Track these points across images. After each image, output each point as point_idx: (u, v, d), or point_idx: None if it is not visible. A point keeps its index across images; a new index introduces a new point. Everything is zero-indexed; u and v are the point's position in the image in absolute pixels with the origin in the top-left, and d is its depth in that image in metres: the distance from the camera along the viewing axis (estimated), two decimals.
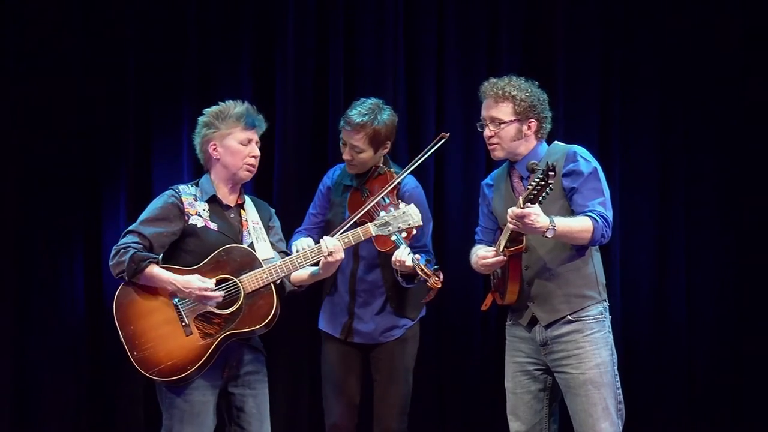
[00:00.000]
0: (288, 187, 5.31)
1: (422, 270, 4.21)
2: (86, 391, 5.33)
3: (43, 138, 5.29)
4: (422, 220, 4.32)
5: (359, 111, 4.51)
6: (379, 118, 4.50)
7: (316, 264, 4.12)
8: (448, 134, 4.49)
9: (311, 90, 5.43)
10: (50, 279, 5.30)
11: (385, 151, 4.60)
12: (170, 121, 5.37)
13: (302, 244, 4.33)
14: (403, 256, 4.21)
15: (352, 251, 4.56)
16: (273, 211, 4.34)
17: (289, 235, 4.55)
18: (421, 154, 4.46)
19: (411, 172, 4.53)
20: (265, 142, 5.22)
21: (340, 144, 4.60)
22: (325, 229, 4.65)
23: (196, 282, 3.99)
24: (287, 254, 4.21)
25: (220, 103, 4.18)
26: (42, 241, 5.29)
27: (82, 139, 5.33)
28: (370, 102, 4.55)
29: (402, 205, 4.21)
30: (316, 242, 4.32)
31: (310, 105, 5.43)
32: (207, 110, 4.18)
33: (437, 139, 4.46)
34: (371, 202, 4.40)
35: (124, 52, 5.34)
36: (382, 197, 4.39)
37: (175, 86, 5.36)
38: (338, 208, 4.65)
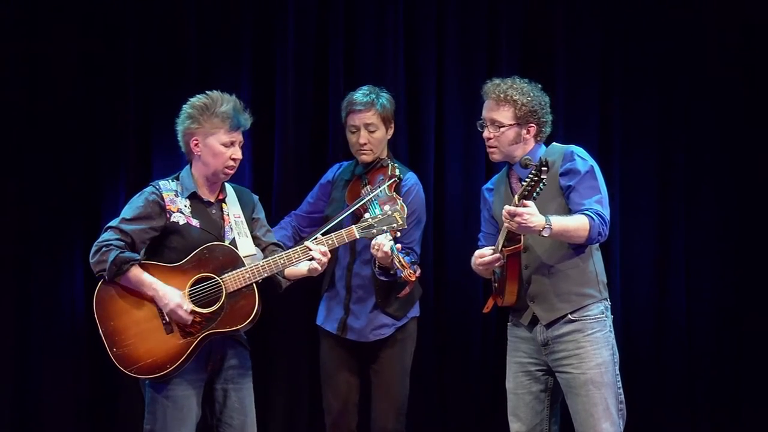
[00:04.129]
0: (288, 187, 5.31)
1: (399, 260, 4.23)
2: (86, 391, 5.33)
3: (43, 137, 5.29)
4: (413, 220, 4.38)
5: (362, 93, 4.67)
6: (381, 95, 4.68)
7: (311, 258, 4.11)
8: (399, 176, 4.61)
9: (311, 90, 5.42)
10: (50, 279, 5.30)
11: (391, 131, 4.70)
12: (170, 121, 5.35)
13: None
14: (383, 241, 4.23)
15: (349, 246, 4.59)
16: (256, 199, 4.31)
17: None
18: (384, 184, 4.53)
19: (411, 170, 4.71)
20: (265, 142, 5.28)
21: (349, 133, 4.67)
22: (321, 222, 4.71)
23: (176, 298, 3.98)
24: (277, 245, 4.22)
25: (207, 93, 4.15)
26: (42, 241, 5.29)
27: (82, 140, 5.33)
28: (365, 86, 4.72)
29: (398, 202, 4.23)
30: (299, 229, 4.66)
31: (310, 105, 5.43)
32: (193, 100, 4.15)
33: (390, 176, 4.56)
34: (370, 195, 4.43)
35: (123, 51, 5.34)
36: (381, 190, 4.42)
37: (174, 85, 5.36)
38: (337, 203, 4.68)
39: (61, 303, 5.30)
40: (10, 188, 5.27)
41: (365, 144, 4.61)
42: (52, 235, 5.29)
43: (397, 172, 4.58)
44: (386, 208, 4.17)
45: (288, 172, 5.36)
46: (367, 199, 4.45)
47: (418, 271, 4.33)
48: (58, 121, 5.30)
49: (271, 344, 5.22)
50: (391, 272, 4.37)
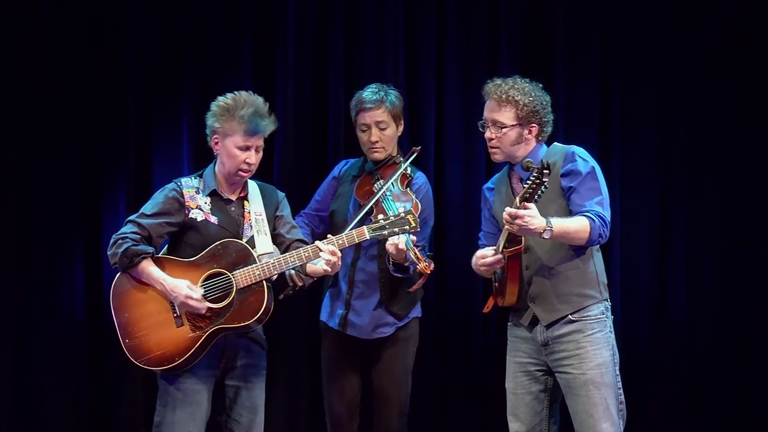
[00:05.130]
0: (288, 188, 5.29)
1: (414, 252, 4.24)
2: (87, 391, 5.32)
3: (43, 137, 5.28)
4: (424, 219, 4.38)
5: (371, 91, 4.68)
6: (390, 92, 4.68)
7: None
8: (419, 147, 4.67)
9: (311, 90, 5.43)
10: (50, 279, 5.30)
11: (401, 128, 4.71)
12: (170, 121, 5.37)
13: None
14: (398, 237, 4.23)
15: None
16: (282, 196, 4.36)
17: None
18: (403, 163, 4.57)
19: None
20: (265, 142, 5.26)
21: (360, 132, 4.67)
22: (330, 219, 4.72)
23: (184, 289, 4.03)
24: (302, 242, 4.25)
25: (235, 93, 4.18)
26: (42, 241, 5.28)
27: (82, 140, 5.33)
28: (373, 85, 4.73)
29: (412, 198, 4.27)
30: (313, 228, 4.66)
31: (310, 105, 5.43)
32: (220, 99, 4.20)
33: (409, 153, 4.61)
34: (383, 188, 4.43)
35: (124, 51, 5.34)
36: (392, 183, 4.43)
37: (175, 84, 5.36)
38: (343, 198, 4.68)
39: (61, 303, 5.30)
40: (10, 188, 5.27)
41: (377, 141, 4.62)
42: (52, 235, 5.29)
43: (409, 170, 4.59)
44: (400, 210, 4.18)
45: (288, 172, 5.37)
46: (380, 193, 4.46)
47: (432, 265, 4.32)
48: (58, 122, 5.29)
49: (271, 342, 5.20)
50: (406, 264, 4.37)
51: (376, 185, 4.57)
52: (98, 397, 5.34)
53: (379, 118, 4.61)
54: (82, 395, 5.32)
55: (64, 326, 5.29)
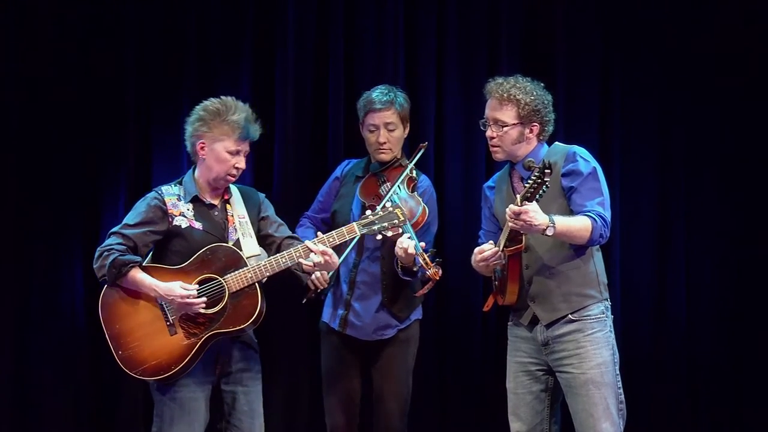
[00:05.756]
0: (288, 189, 5.31)
1: (423, 258, 4.23)
2: (86, 392, 5.33)
3: (43, 138, 5.29)
4: (428, 223, 4.37)
5: (380, 92, 4.66)
6: (399, 94, 4.68)
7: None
8: (426, 143, 4.66)
9: (311, 90, 5.43)
10: (50, 280, 5.30)
11: (407, 130, 4.70)
12: (170, 121, 5.36)
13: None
14: (408, 242, 4.24)
15: (357, 245, 4.57)
16: (263, 197, 4.33)
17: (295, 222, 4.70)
18: (409, 163, 4.58)
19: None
20: (265, 142, 5.27)
21: (367, 132, 4.65)
22: (331, 219, 4.71)
23: (179, 290, 4.00)
24: (293, 238, 4.24)
25: (221, 98, 4.16)
26: (42, 240, 5.29)
27: (82, 140, 5.33)
28: (382, 86, 4.71)
29: (421, 202, 4.28)
30: (318, 229, 4.55)
31: (310, 105, 5.43)
32: (206, 103, 4.16)
33: (417, 150, 4.61)
34: (390, 192, 4.43)
35: (124, 51, 5.34)
36: (399, 186, 4.43)
37: (175, 84, 5.36)
38: (345, 198, 4.67)
39: (61, 304, 5.30)
40: (10, 188, 5.27)
41: (385, 143, 4.61)
42: (52, 235, 5.29)
43: (414, 173, 4.59)
44: (388, 204, 4.17)
45: (288, 172, 5.37)
46: (387, 197, 4.45)
47: (440, 271, 4.32)
48: (58, 122, 5.29)
49: (271, 343, 5.21)
50: (415, 269, 4.37)
51: (382, 188, 4.56)
52: (98, 397, 5.35)
53: (388, 119, 4.60)
54: (82, 395, 5.33)
55: (64, 326, 5.30)
